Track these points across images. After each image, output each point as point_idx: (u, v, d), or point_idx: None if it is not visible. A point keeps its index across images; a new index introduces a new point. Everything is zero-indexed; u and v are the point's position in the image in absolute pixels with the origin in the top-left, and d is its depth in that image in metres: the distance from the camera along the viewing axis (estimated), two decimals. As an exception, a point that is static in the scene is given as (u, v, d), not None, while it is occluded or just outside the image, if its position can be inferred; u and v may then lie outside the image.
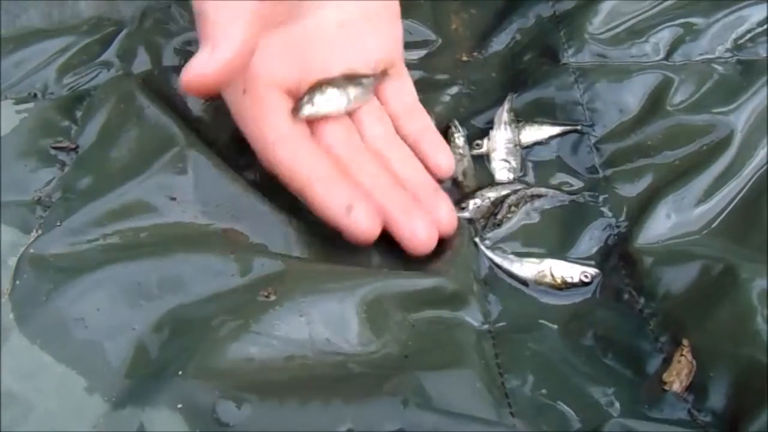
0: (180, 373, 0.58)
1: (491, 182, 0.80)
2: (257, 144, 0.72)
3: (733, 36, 0.84)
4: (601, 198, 0.77)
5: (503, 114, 0.81)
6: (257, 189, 0.73)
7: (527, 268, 0.72)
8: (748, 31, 0.84)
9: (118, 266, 0.66)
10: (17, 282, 0.66)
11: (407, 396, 0.57)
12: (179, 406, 0.57)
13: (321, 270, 0.67)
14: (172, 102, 0.81)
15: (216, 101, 0.78)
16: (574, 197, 0.77)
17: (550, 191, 0.78)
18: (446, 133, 0.82)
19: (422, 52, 0.91)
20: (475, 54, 0.91)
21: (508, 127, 0.80)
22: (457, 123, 0.82)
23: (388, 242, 0.72)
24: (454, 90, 0.87)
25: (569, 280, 0.71)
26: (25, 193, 0.76)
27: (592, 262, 0.73)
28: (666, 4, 0.87)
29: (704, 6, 0.86)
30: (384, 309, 0.65)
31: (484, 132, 0.82)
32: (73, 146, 0.79)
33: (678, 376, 0.63)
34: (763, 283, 0.63)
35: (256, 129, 0.72)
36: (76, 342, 0.62)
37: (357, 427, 0.55)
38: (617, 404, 0.63)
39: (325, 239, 0.73)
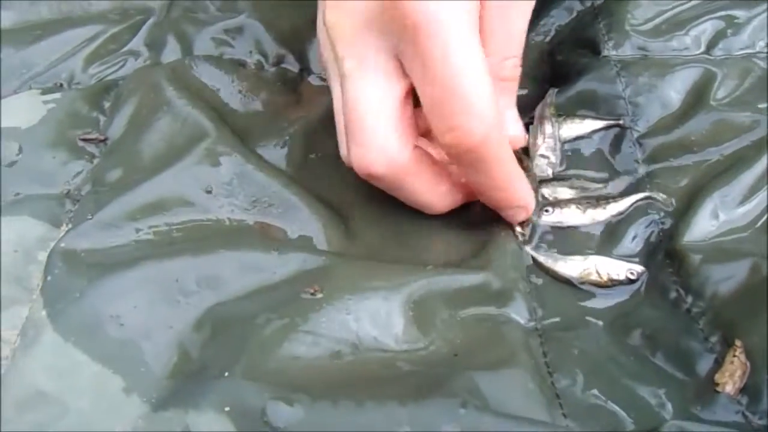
0: (226, 374, 0.56)
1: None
2: None
3: (773, 30, 0.82)
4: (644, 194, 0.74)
5: (545, 109, 0.79)
6: (295, 183, 0.71)
7: (572, 266, 0.70)
8: (789, 26, 0.82)
9: (155, 263, 0.63)
10: (48, 278, 0.64)
11: (465, 397, 0.55)
12: (227, 408, 0.54)
13: (366, 267, 0.65)
14: (202, 92, 0.79)
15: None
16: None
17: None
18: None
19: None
20: None
21: (548, 122, 0.78)
22: None
23: (431, 239, 0.70)
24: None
25: (615, 277, 0.69)
26: (54, 186, 0.73)
27: (637, 260, 0.71)
28: (706, -6, 0.85)
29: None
30: (430, 306, 0.63)
31: (526, 127, 0.79)
32: (102, 138, 0.77)
33: (731, 378, 0.61)
34: (815, 281, 0.60)
35: None
36: (112, 340, 0.60)
37: (414, 428, 0.53)
38: (669, 405, 0.60)
39: (368, 236, 0.71)
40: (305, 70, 0.84)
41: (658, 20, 0.83)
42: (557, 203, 0.74)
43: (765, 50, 0.81)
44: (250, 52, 0.84)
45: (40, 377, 0.58)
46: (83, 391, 0.58)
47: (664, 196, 0.73)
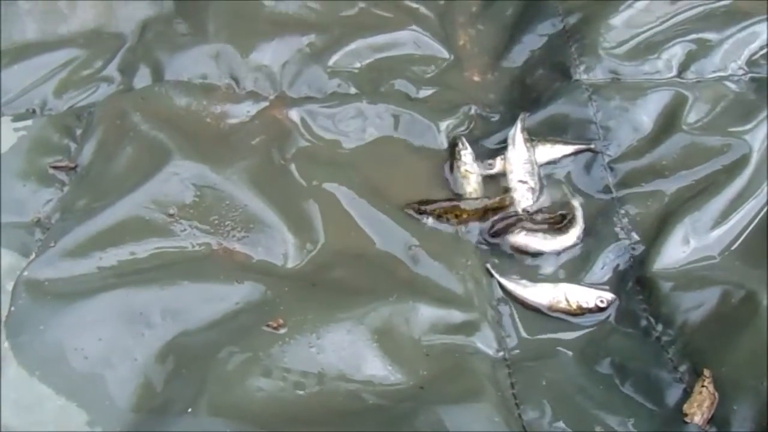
0: (190, 410, 0.55)
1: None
2: None
3: (746, 53, 0.81)
4: (615, 219, 0.72)
5: (517, 133, 0.77)
6: (259, 204, 0.70)
7: (541, 294, 0.68)
8: (761, 48, 0.81)
9: (119, 294, 0.62)
10: (13, 308, 0.62)
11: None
12: (190, 443, 0.53)
13: (329, 296, 0.63)
14: (170, 118, 0.77)
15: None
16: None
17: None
18: (453, 150, 0.78)
19: (433, 68, 0.87)
20: (488, 75, 0.87)
21: (522, 146, 0.76)
22: (464, 140, 0.78)
23: (398, 266, 0.68)
24: (467, 110, 0.83)
25: (585, 305, 0.68)
26: (24, 214, 0.72)
27: (607, 287, 0.70)
28: (679, 17, 0.83)
29: (717, 21, 0.82)
30: (395, 337, 0.62)
31: (496, 152, 0.78)
32: (72, 165, 0.75)
33: (699, 408, 0.59)
34: (785, 309, 0.59)
35: None
36: (77, 374, 0.59)
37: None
38: (635, 437, 0.59)
39: (334, 259, 0.69)
40: (275, 91, 0.83)
41: (630, 43, 0.81)
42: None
43: (738, 73, 0.79)
44: (221, 76, 0.82)
45: (6, 412, 0.57)
46: (47, 425, 0.57)
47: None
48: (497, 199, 0.74)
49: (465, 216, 0.73)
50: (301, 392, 0.57)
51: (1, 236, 0.70)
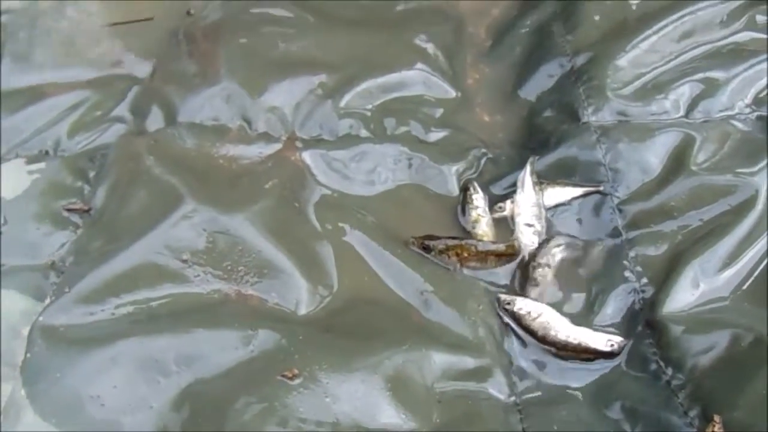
0: (205, 459, 0.56)
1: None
2: None
3: (753, 91, 0.82)
4: (625, 262, 0.73)
5: (526, 177, 0.78)
6: (272, 248, 0.71)
7: (552, 338, 0.69)
8: (767, 86, 0.82)
9: (134, 341, 0.63)
10: (28, 355, 0.64)
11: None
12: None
13: (343, 344, 0.64)
14: (183, 160, 0.78)
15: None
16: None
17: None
18: (465, 194, 0.79)
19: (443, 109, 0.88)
20: (497, 115, 0.88)
21: (531, 190, 0.77)
22: (475, 184, 0.79)
23: (411, 313, 0.69)
24: (477, 153, 0.84)
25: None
26: (39, 257, 0.73)
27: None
28: (685, 56, 0.84)
29: (723, 59, 0.84)
30: (408, 385, 0.62)
31: (506, 195, 0.80)
32: (86, 208, 0.76)
33: (710, 453, 0.60)
34: (795, 352, 0.60)
35: None
36: (94, 421, 0.60)
37: None
38: (646, 481, 0.60)
39: (346, 296, 0.70)
40: (287, 133, 0.84)
41: (637, 83, 0.82)
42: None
43: (745, 111, 0.80)
44: (233, 117, 0.83)
45: (22, 461, 0.58)
46: (66, 475, 0.58)
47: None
48: (502, 246, 0.75)
49: (467, 255, 0.74)
50: (317, 441, 0.58)
51: (16, 280, 0.71)
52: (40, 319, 0.66)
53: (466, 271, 0.74)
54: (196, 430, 0.59)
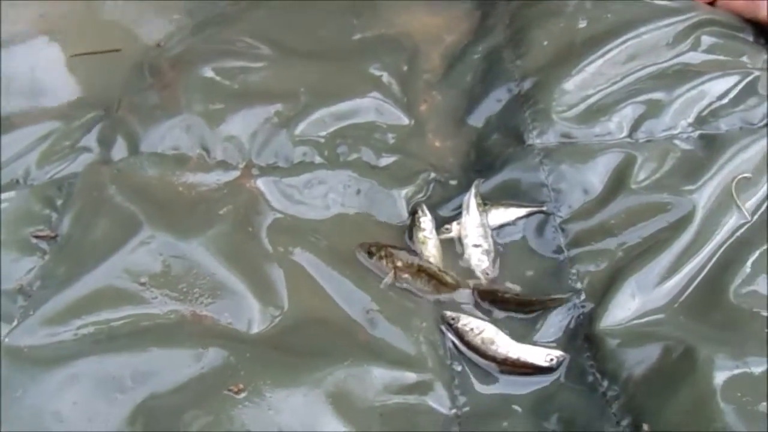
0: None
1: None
2: None
3: (696, 110, 0.88)
4: (567, 279, 0.79)
5: (471, 199, 0.85)
6: (225, 271, 0.77)
7: (492, 353, 0.75)
8: (709, 105, 0.88)
9: (94, 360, 0.69)
10: (-5, 375, 0.70)
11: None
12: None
13: (287, 362, 0.70)
14: (144, 188, 0.85)
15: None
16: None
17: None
18: (413, 217, 0.86)
19: (395, 135, 0.95)
20: (447, 141, 0.96)
21: (476, 211, 0.84)
22: (424, 207, 0.86)
23: (356, 328, 0.75)
24: (426, 177, 0.91)
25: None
26: (7, 281, 0.80)
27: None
28: (630, 77, 0.91)
29: (668, 80, 0.90)
30: (350, 399, 0.68)
31: (454, 217, 0.86)
32: (53, 235, 0.83)
33: (639, 461, 0.65)
34: (721, 364, 0.65)
35: None
36: (53, 435, 0.66)
37: None
38: (579, 490, 0.66)
39: (296, 316, 0.76)
40: (244, 160, 0.91)
41: (582, 106, 0.89)
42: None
43: (688, 130, 0.86)
44: (193, 146, 0.90)
45: (-13, 477, 0.65)
46: (26, 487, 0.64)
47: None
48: (434, 268, 0.81)
49: (400, 265, 0.80)
50: (260, 452, 0.64)
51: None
52: (6, 340, 0.72)
53: (405, 285, 0.80)
54: (150, 442, 0.65)
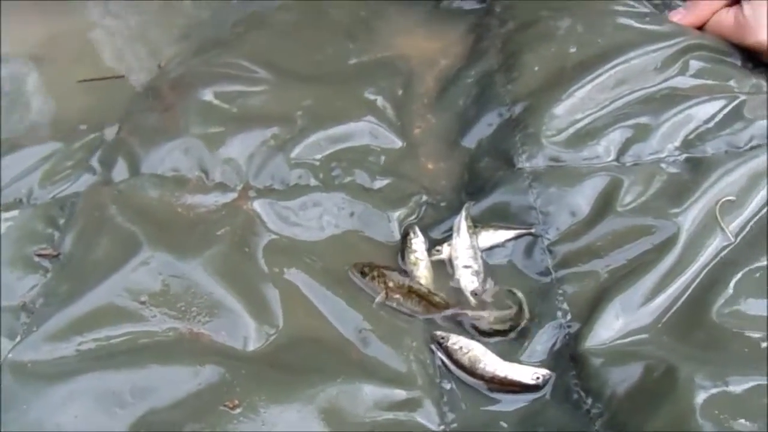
0: (153, 481, 0.67)
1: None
2: None
3: (683, 134, 0.92)
4: (554, 300, 0.83)
5: (461, 222, 0.89)
6: (222, 290, 0.81)
7: (480, 371, 0.79)
8: (696, 129, 0.92)
9: (95, 375, 0.74)
10: (-1, 388, 0.75)
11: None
12: None
13: (281, 379, 0.75)
14: (145, 209, 0.90)
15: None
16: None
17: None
18: (405, 238, 0.90)
19: (388, 158, 1.00)
20: (440, 163, 1.00)
21: (466, 234, 0.88)
22: (416, 228, 0.91)
23: (349, 347, 0.80)
24: (418, 199, 0.96)
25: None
26: (11, 298, 0.85)
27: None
28: (619, 102, 0.95)
29: (656, 105, 0.94)
30: (341, 415, 0.73)
31: (445, 239, 0.91)
32: (55, 253, 0.88)
33: (619, 477, 0.69)
34: (701, 383, 0.69)
35: None
36: (56, 449, 0.71)
37: None
38: (562, 505, 0.70)
39: (291, 334, 0.80)
40: (242, 182, 0.95)
41: (571, 130, 0.94)
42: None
43: (674, 153, 0.91)
44: (192, 168, 0.95)
45: (-10, 488, 0.69)
46: (29, 497, 0.69)
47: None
48: (425, 289, 0.85)
49: (392, 285, 0.84)
50: (254, 465, 0.69)
51: (-10, 320, 0.82)
52: (10, 356, 0.77)
53: (396, 305, 0.85)
54: (148, 455, 0.70)
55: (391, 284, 0.84)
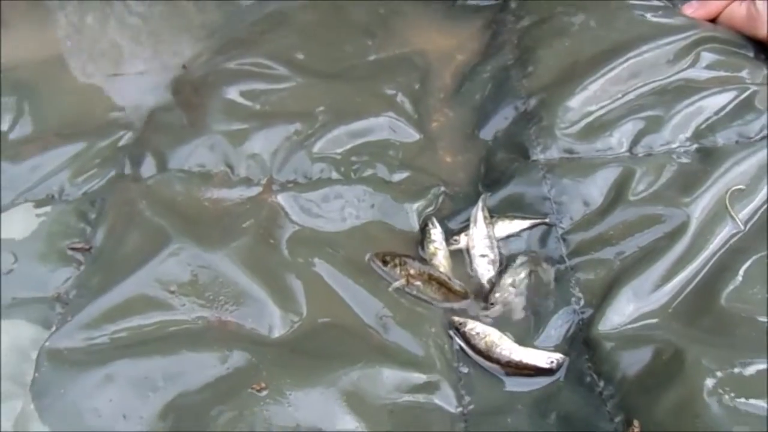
0: (183, 460, 0.73)
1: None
2: None
3: (694, 124, 0.97)
4: (568, 287, 0.88)
5: (478, 212, 0.95)
6: (249, 280, 0.87)
7: (497, 356, 0.84)
8: (707, 120, 0.97)
9: (127, 362, 0.80)
10: (36, 374, 0.81)
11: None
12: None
13: (306, 363, 0.81)
14: (172, 203, 0.96)
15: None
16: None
17: None
18: (424, 229, 0.96)
19: (408, 151, 1.05)
20: (458, 156, 1.06)
21: (483, 224, 0.94)
22: (434, 219, 0.96)
23: (370, 334, 0.85)
24: (436, 191, 1.01)
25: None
26: (46, 290, 0.91)
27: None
28: (632, 94, 1.00)
29: (669, 97, 0.99)
30: (362, 397, 0.78)
31: (462, 229, 0.96)
32: (87, 247, 0.94)
33: (629, 456, 0.74)
34: (708, 365, 0.73)
35: None
36: (92, 430, 0.77)
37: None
38: (574, 480, 0.75)
39: (314, 322, 0.86)
40: (266, 177, 1.01)
41: (584, 123, 0.99)
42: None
43: (686, 144, 0.95)
44: (217, 164, 1.01)
45: (31, 464, 0.75)
46: (66, 477, 0.75)
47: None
48: (445, 277, 0.90)
49: (413, 273, 0.90)
50: (281, 443, 0.75)
51: (26, 311, 0.88)
52: (46, 344, 0.83)
53: (415, 292, 0.90)
54: (179, 434, 0.76)
55: (412, 271, 0.89)
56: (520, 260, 0.92)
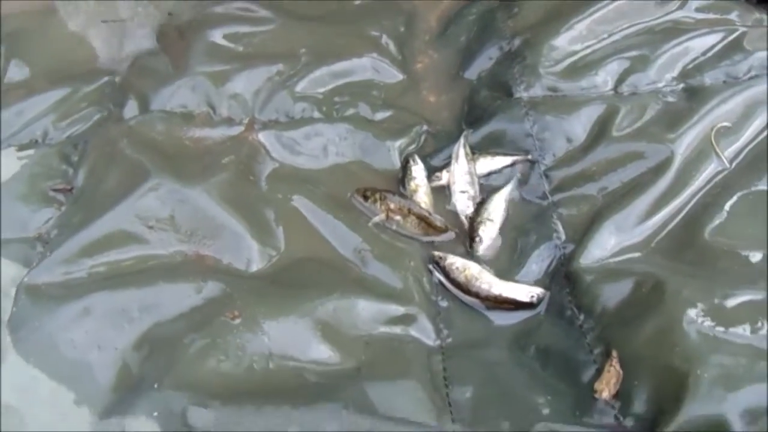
0: (156, 385, 0.74)
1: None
2: None
3: (681, 64, 0.97)
4: (550, 222, 0.89)
5: (460, 149, 0.95)
6: (227, 215, 0.88)
7: (476, 289, 0.85)
8: (694, 60, 0.97)
9: (104, 294, 0.81)
10: (14, 309, 0.82)
11: (347, 402, 0.71)
12: (155, 413, 0.72)
13: (281, 294, 0.81)
14: (153, 143, 0.97)
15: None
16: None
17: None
18: (406, 166, 0.96)
19: (391, 91, 1.06)
20: (442, 96, 1.06)
21: (464, 160, 0.94)
22: (416, 156, 0.97)
23: (346, 266, 0.87)
24: (418, 129, 1.02)
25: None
26: (28, 230, 0.92)
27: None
28: (618, 35, 1.00)
29: (656, 37, 0.99)
30: (337, 327, 0.79)
31: (444, 166, 0.96)
32: (69, 188, 0.95)
33: (607, 385, 0.74)
34: (688, 295, 0.74)
35: None
36: (66, 360, 0.78)
37: (302, 428, 0.69)
38: (548, 410, 0.75)
39: (292, 256, 0.87)
40: (248, 116, 1.02)
41: (569, 61, 0.99)
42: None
43: (672, 84, 0.96)
44: (199, 104, 1.02)
45: (6, 392, 0.76)
46: (42, 404, 0.76)
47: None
48: (425, 212, 0.91)
49: (393, 207, 0.91)
50: (251, 369, 0.75)
51: (7, 250, 0.90)
52: (25, 279, 0.84)
53: (395, 227, 0.91)
54: (151, 364, 0.76)
55: (392, 206, 0.90)
56: (500, 196, 0.93)
